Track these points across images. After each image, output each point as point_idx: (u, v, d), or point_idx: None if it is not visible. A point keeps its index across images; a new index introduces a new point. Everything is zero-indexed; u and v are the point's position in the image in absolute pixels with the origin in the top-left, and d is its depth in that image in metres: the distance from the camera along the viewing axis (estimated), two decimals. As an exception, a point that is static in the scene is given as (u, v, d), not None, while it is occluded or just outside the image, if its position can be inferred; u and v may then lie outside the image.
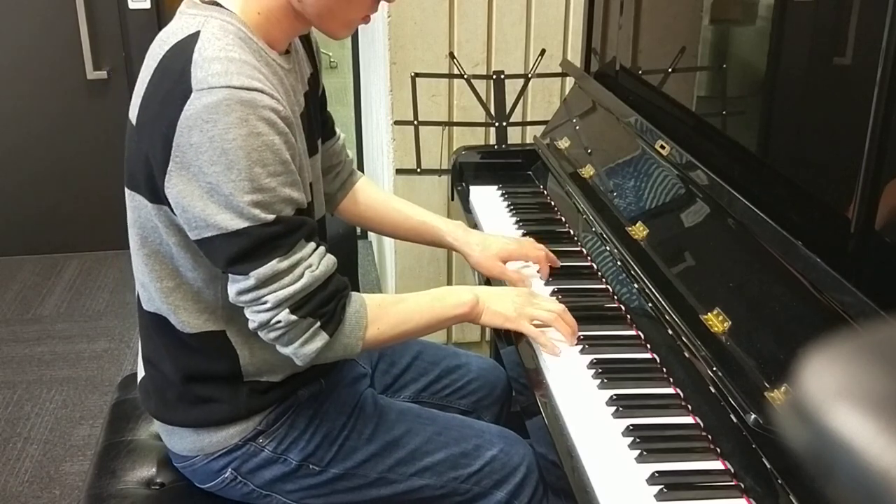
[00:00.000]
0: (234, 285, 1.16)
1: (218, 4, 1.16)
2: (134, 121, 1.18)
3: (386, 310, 1.28)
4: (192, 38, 1.12)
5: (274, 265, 1.13)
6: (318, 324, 1.18)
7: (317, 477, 1.33)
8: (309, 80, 1.35)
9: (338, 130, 1.57)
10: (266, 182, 1.10)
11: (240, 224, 1.10)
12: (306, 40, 1.39)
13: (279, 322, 1.15)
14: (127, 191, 1.24)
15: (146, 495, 1.38)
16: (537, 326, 1.35)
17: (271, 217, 1.12)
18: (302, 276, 1.15)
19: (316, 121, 1.38)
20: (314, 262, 1.17)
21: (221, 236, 1.11)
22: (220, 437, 1.30)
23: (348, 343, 1.22)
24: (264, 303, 1.15)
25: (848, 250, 1.07)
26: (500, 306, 1.36)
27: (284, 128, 1.12)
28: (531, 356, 1.33)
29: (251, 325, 1.18)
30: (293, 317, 1.15)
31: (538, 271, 1.56)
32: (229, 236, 1.11)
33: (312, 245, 1.18)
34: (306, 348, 1.18)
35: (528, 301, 1.37)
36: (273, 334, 1.17)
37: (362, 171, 3.84)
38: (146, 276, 1.25)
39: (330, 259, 1.21)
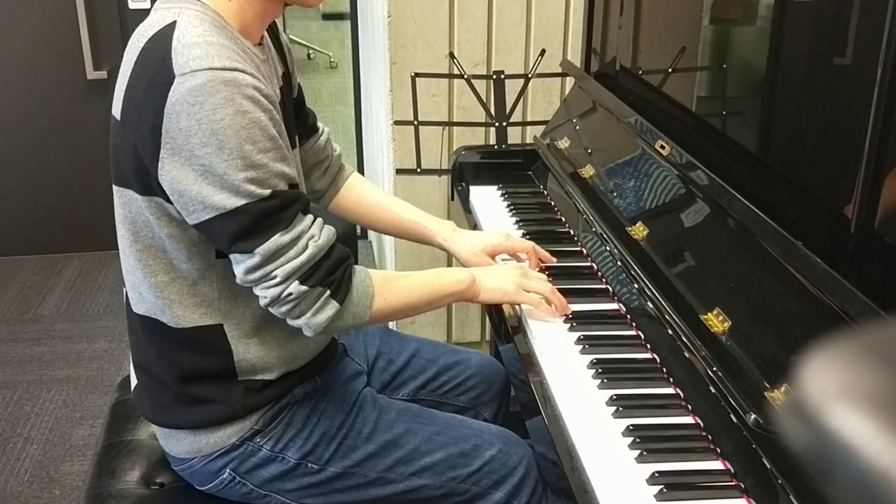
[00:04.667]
0: (241, 265, 1.17)
1: None
2: (118, 115, 1.19)
3: (391, 283, 1.30)
4: (170, 28, 1.13)
5: (277, 239, 1.15)
6: (328, 292, 1.20)
7: (315, 476, 1.33)
8: (282, 76, 1.37)
9: (321, 126, 1.58)
10: (258, 158, 1.12)
11: (237, 202, 1.12)
12: (276, 41, 1.40)
13: (290, 294, 1.17)
14: (115, 188, 1.24)
15: (146, 495, 1.38)
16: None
17: (267, 192, 1.14)
18: (306, 247, 1.17)
19: (290, 117, 1.39)
20: (316, 233, 1.20)
21: (221, 216, 1.13)
22: (217, 437, 1.30)
23: (357, 312, 1.24)
24: (273, 277, 1.16)
25: (848, 250, 1.06)
26: (497, 283, 1.40)
27: (268, 105, 1.14)
28: (531, 355, 1.33)
29: (262, 302, 1.20)
30: (303, 287, 1.17)
31: (528, 265, 1.56)
32: (228, 215, 1.12)
33: (311, 217, 1.21)
34: (318, 317, 1.20)
35: (523, 275, 1.41)
36: (285, 307, 1.19)
37: (362, 171, 3.83)
38: (138, 273, 1.25)
39: (330, 229, 1.23)
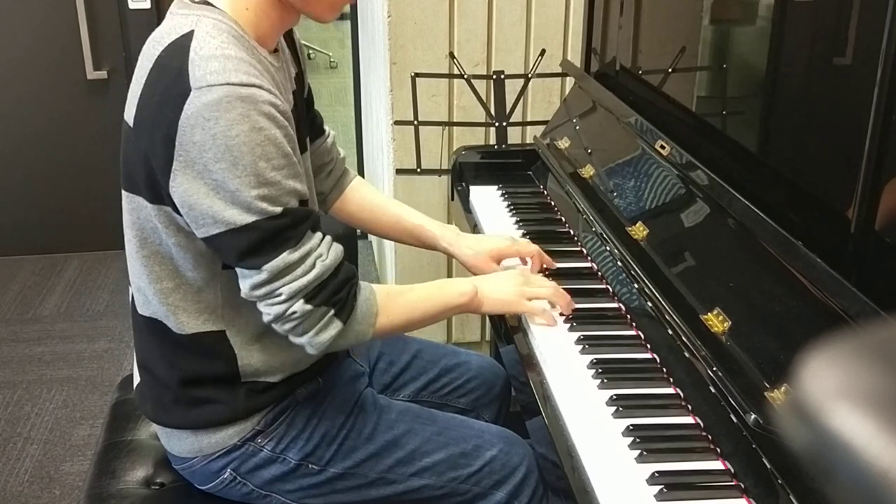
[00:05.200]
0: (247, 280, 1.17)
1: (208, 3, 1.17)
2: (131, 122, 1.18)
3: (394, 299, 1.29)
4: (187, 38, 1.12)
5: (285, 257, 1.14)
6: (332, 312, 1.19)
7: (316, 476, 1.33)
8: (295, 78, 1.36)
9: (327, 128, 1.57)
10: (271, 176, 1.11)
11: (248, 218, 1.11)
12: (290, 41, 1.40)
13: (294, 313, 1.16)
14: (124, 193, 1.23)
15: (146, 495, 1.38)
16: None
17: (279, 210, 1.13)
18: (314, 266, 1.17)
19: (304, 119, 1.39)
20: (324, 252, 1.19)
21: (230, 232, 1.12)
22: (218, 437, 1.30)
23: (360, 330, 1.23)
24: (279, 295, 1.16)
25: (848, 250, 1.07)
26: (498, 293, 1.38)
27: (284, 121, 1.14)
28: (531, 356, 1.33)
29: (266, 318, 1.19)
30: (308, 306, 1.17)
31: (531, 268, 1.56)
32: (238, 231, 1.12)
33: (319, 235, 1.20)
34: (321, 336, 1.19)
35: (523, 281, 1.40)
36: (288, 325, 1.18)
37: (362, 171, 3.83)
38: (144, 278, 1.25)
39: (338, 248, 1.22)
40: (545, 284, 1.40)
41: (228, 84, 1.08)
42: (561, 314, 1.40)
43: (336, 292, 1.19)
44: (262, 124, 1.09)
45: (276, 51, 1.26)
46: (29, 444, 2.43)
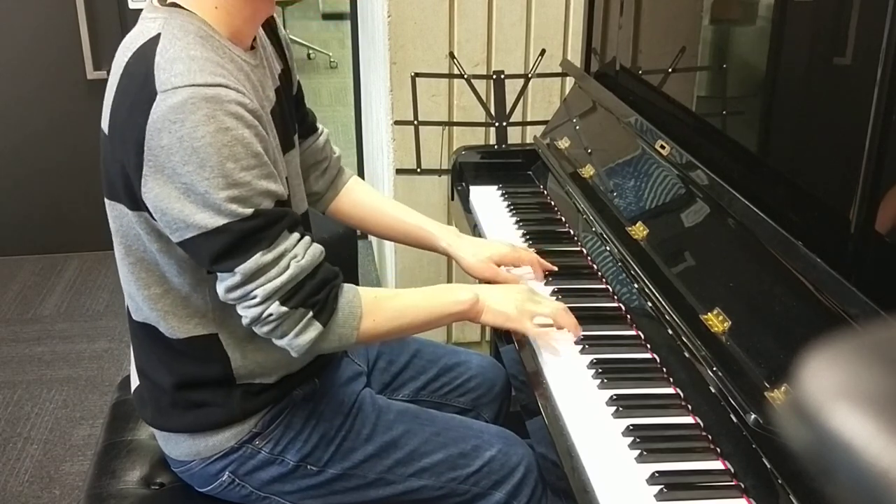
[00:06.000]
0: (222, 283, 1.16)
1: (177, 5, 1.16)
2: (106, 130, 1.18)
3: (381, 303, 1.26)
4: (154, 42, 1.12)
5: (258, 259, 1.13)
6: (311, 314, 1.17)
7: (315, 478, 1.33)
8: (280, 76, 1.34)
9: (320, 126, 1.55)
10: (240, 176, 1.10)
11: (219, 221, 1.10)
12: (275, 37, 1.38)
13: (271, 315, 1.15)
14: (107, 201, 1.23)
15: (146, 495, 1.38)
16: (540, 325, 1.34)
17: (249, 211, 1.11)
18: (288, 266, 1.15)
19: (290, 116, 1.38)
20: (299, 252, 1.17)
21: (202, 235, 1.11)
22: (215, 440, 1.30)
23: (343, 333, 1.21)
24: (253, 297, 1.14)
25: (848, 250, 1.06)
26: (501, 305, 1.34)
27: (253, 120, 1.12)
28: (531, 355, 1.33)
29: (244, 321, 1.18)
30: (284, 308, 1.15)
31: (534, 276, 1.55)
32: (210, 234, 1.11)
33: (296, 235, 1.18)
34: (300, 339, 1.17)
35: (529, 298, 1.35)
36: (266, 328, 1.17)
37: (362, 171, 3.82)
38: (133, 285, 1.25)
39: (316, 248, 1.20)
40: (551, 301, 1.36)
41: (193, 85, 1.07)
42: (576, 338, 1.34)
43: (313, 293, 1.17)
44: (228, 124, 1.08)
45: (253, 48, 1.25)
46: (29, 444, 2.43)
